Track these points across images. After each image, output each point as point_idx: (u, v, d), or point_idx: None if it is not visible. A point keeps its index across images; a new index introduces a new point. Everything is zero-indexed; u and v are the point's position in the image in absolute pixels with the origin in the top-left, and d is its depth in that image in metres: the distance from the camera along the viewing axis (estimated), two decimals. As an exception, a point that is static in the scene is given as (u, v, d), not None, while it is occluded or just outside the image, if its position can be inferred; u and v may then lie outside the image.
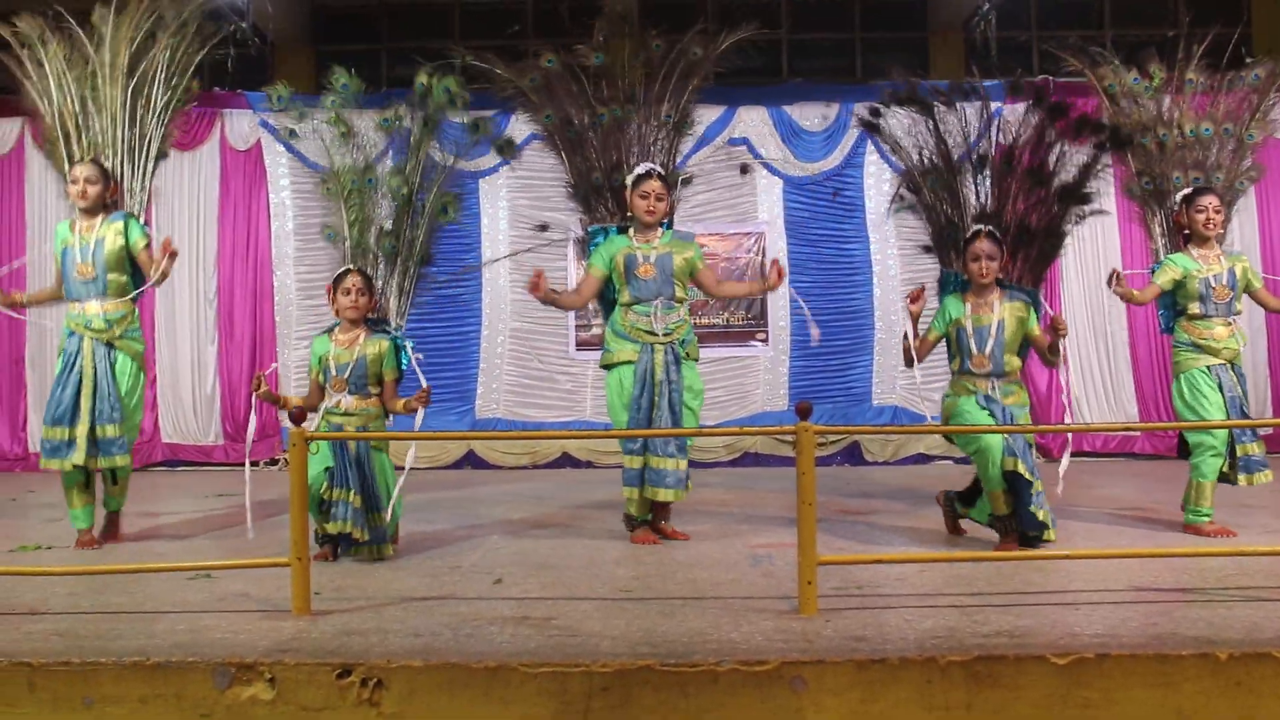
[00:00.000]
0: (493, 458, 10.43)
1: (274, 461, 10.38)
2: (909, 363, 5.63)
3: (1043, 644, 3.47)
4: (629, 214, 5.92)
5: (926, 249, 6.36)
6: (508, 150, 7.02)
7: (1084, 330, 10.37)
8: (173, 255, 5.82)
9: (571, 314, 10.43)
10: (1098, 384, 10.39)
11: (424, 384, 5.51)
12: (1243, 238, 10.35)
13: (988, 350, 5.46)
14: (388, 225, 6.09)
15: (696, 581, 4.68)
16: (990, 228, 5.57)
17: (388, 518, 5.33)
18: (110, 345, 5.81)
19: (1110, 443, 10.34)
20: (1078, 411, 10.36)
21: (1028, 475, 5.31)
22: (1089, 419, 10.30)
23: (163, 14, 6.29)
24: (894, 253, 10.48)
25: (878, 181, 10.51)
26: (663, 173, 5.93)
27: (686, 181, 6.09)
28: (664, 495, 5.64)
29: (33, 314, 6.21)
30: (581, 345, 10.52)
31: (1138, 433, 10.26)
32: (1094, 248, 10.36)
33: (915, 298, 5.52)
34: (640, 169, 5.90)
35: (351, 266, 5.77)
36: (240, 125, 10.60)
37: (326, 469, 5.26)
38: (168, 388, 10.41)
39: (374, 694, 3.36)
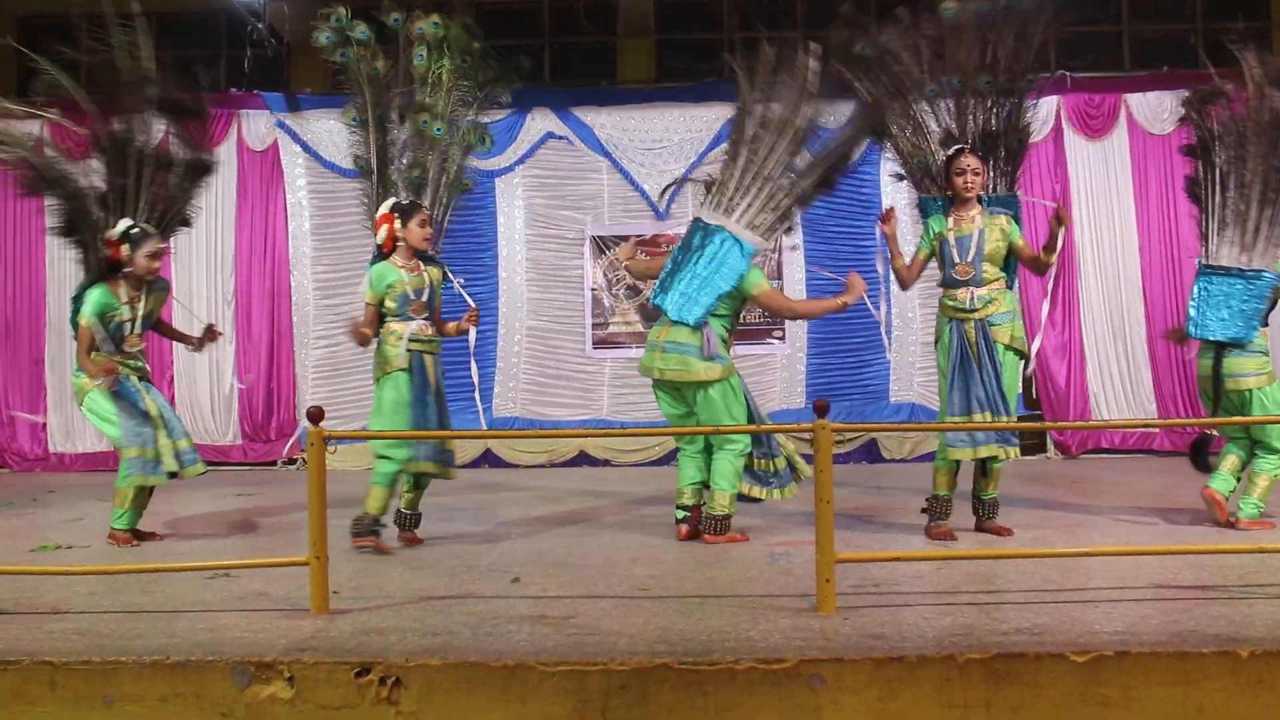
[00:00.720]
0: (510, 456, 10.42)
1: (292, 461, 10.41)
2: (903, 286, 6.07)
3: (1062, 642, 3.46)
4: None
5: (900, 177, 6.38)
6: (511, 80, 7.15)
7: (1103, 329, 10.31)
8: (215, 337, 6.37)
9: (589, 313, 10.46)
10: (1117, 382, 10.33)
11: (472, 304, 5.92)
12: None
13: (969, 258, 5.69)
14: (416, 158, 6.31)
15: (714, 580, 4.68)
16: (968, 144, 5.83)
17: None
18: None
19: (1129, 439, 10.28)
20: (1097, 408, 10.32)
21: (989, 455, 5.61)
22: (1108, 416, 10.24)
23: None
24: (910, 249, 10.42)
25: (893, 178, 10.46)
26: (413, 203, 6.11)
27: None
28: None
29: None
30: (599, 344, 10.52)
31: (1157, 430, 10.20)
32: (1111, 247, 10.31)
33: (886, 218, 5.88)
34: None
35: (420, 201, 6.09)
36: (257, 126, 10.62)
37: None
38: (186, 388, 10.43)
39: (392, 692, 3.37)
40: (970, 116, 5.95)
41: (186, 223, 6.48)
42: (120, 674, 3.44)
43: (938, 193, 5.97)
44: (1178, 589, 4.24)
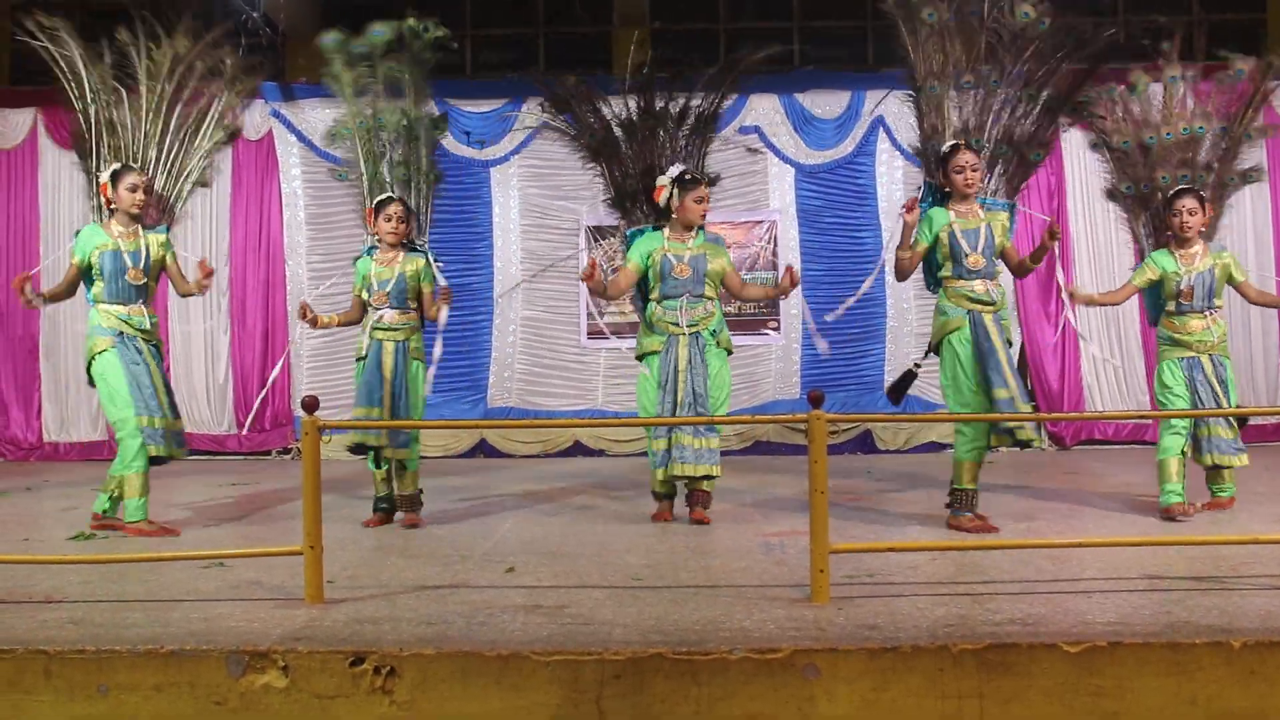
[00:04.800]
0: (505, 446, 10.43)
1: (286, 450, 10.41)
2: (900, 276, 5.93)
3: (1055, 632, 3.47)
4: (671, 214, 6.12)
5: (917, 150, 6.36)
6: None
7: (1097, 319, 10.30)
8: (210, 273, 6.16)
9: (583, 303, 10.45)
10: (1110, 373, 10.35)
11: (443, 283, 6.16)
12: (1256, 231, 10.29)
13: (980, 249, 5.68)
14: (398, 157, 6.39)
15: (709, 569, 4.69)
16: (968, 140, 5.84)
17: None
18: (155, 345, 6.06)
19: (1123, 431, 10.31)
20: (1091, 400, 10.34)
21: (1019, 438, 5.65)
22: (1101, 407, 10.27)
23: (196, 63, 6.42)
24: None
25: (889, 169, 10.47)
26: (709, 178, 6.31)
27: (714, 181, 6.41)
28: (686, 470, 5.93)
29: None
30: (593, 334, 10.51)
31: (1150, 421, 10.22)
32: (1105, 235, 10.30)
33: (910, 208, 5.77)
34: (682, 172, 6.12)
35: (394, 195, 6.22)
36: (251, 115, 10.54)
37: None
38: (181, 377, 10.40)
39: (387, 682, 3.38)
40: (993, 117, 5.94)
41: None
42: (115, 663, 3.44)
43: (939, 180, 5.88)
44: (1170, 580, 4.25)
